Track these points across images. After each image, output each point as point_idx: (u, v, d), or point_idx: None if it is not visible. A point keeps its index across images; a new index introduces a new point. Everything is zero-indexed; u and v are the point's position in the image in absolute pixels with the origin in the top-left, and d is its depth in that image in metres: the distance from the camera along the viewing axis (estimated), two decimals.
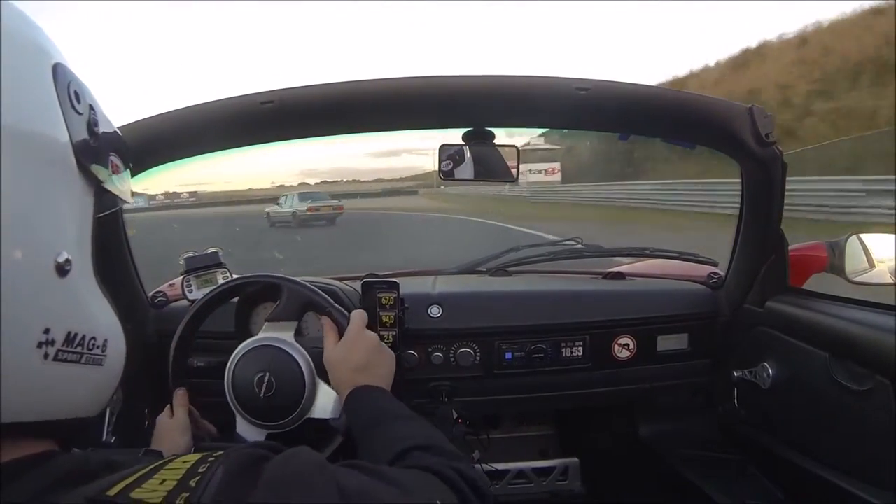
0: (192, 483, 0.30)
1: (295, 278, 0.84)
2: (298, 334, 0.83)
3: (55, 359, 0.33)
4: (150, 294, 1.08)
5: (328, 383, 0.76)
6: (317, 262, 6.79)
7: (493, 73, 0.88)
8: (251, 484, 0.30)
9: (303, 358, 0.77)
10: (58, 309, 0.34)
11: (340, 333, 0.74)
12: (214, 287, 0.86)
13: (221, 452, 0.33)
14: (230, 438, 0.78)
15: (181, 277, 1.04)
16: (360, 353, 0.69)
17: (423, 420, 0.60)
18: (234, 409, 0.77)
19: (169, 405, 0.78)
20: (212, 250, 1.06)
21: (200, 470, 0.31)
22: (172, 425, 0.75)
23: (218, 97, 0.87)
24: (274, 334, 0.79)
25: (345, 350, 0.70)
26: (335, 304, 0.79)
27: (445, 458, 0.47)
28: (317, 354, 0.77)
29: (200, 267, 1.03)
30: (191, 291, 1.02)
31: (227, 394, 0.77)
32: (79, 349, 0.35)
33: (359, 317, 0.74)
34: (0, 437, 0.30)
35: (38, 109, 0.34)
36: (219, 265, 1.04)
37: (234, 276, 0.97)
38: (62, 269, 0.34)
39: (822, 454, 0.87)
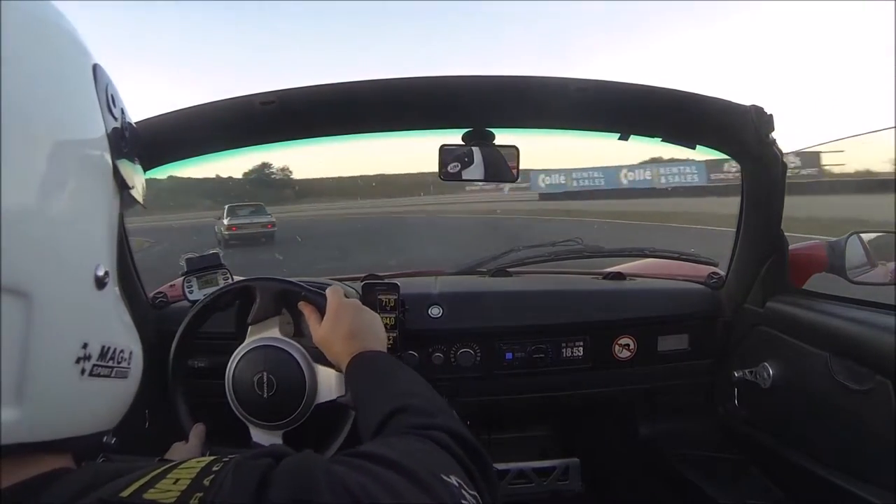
0: (206, 482, 0.29)
1: (265, 276, 0.83)
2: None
3: (91, 374, 0.32)
4: (150, 295, 1.08)
5: (326, 365, 0.76)
6: (319, 263, 6.77)
7: (494, 74, 0.88)
8: (259, 500, 0.29)
9: (296, 350, 0.77)
10: (94, 323, 0.33)
11: (322, 313, 0.73)
12: (202, 299, 0.85)
13: (234, 455, 0.32)
14: (246, 447, 0.78)
15: (182, 278, 1.04)
16: (345, 322, 0.69)
17: (413, 376, 0.59)
18: (236, 411, 0.77)
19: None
20: (212, 251, 1.06)
21: (214, 469, 0.30)
22: (183, 449, 0.76)
23: (218, 98, 0.87)
24: (260, 335, 0.79)
25: (330, 324, 0.70)
26: (308, 287, 0.78)
27: (430, 418, 0.46)
28: (312, 345, 0.76)
29: (201, 268, 1.03)
30: (191, 292, 1.02)
31: (228, 395, 0.77)
32: (110, 363, 0.34)
33: (334, 290, 0.73)
34: (23, 455, 0.29)
35: (82, 114, 0.33)
36: (219, 266, 1.04)
37: (235, 280, 0.97)
38: (101, 282, 0.33)
39: (823, 454, 0.87)
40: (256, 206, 11.07)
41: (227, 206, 10.79)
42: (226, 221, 10.26)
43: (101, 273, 0.33)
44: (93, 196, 0.33)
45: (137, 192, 0.39)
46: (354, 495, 0.30)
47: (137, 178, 0.40)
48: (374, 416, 0.50)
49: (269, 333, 0.79)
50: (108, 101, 0.35)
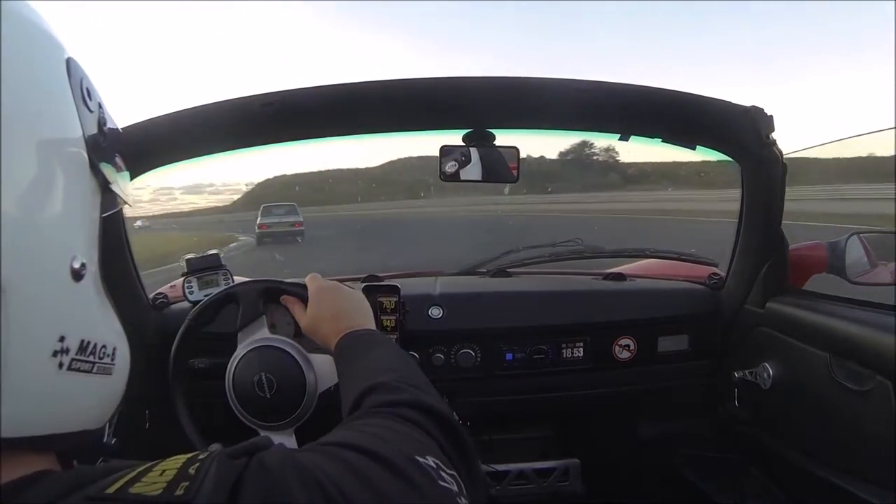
0: (192, 470, 0.29)
1: (244, 279, 0.82)
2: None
3: (69, 368, 0.31)
4: (150, 295, 1.09)
5: (320, 353, 0.76)
6: (319, 263, 6.79)
7: (494, 75, 0.88)
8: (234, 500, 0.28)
9: (289, 345, 0.77)
10: (72, 316, 0.32)
11: (305, 302, 0.73)
12: (214, 294, 0.85)
13: (219, 447, 0.33)
14: None
15: (182, 279, 1.04)
16: (327, 304, 0.69)
17: (386, 351, 0.59)
18: (237, 412, 0.77)
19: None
20: (212, 252, 1.06)
21: (200, 457, 0.30)
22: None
23: (219, 98, 0.87)
24: (250, 338, 0.78)
25: (314, 309, 0.70)
26: (287, 280, 0.78)
27: (398, 394, 0.45)
28: (303, 338, 0.76)
29: (201, 269, 1.04)
30: (192, 293, 1.02)
31: (229, 396, 0.77)
32: (91, 358, 0.34)
33: (313, 277, 0.74)
34: (2, 451, 0.28)
35: (56, 107, 0.33)
36: (220, 267, 1.05)
37: (234, 282, 0.97)
38: (78, 274, 0.32)
39: (823, 454, 0.87)
40: (290, 206, 11.40)
41: (262, 206, 11.16)
42: (258, 220, 10.68)
43: (77, 265, 0.32)
44: (68, 189, 0.33)
45: (118, 188, 0.39)
46: (326, 490, 0.30)
47: (119, 174, 0.40)
48: (348, 398, 0.50)
49: (258, 335, 0.79)
50: (84, 95, 0.35)
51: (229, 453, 0.32)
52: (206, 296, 0.85)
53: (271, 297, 0.79)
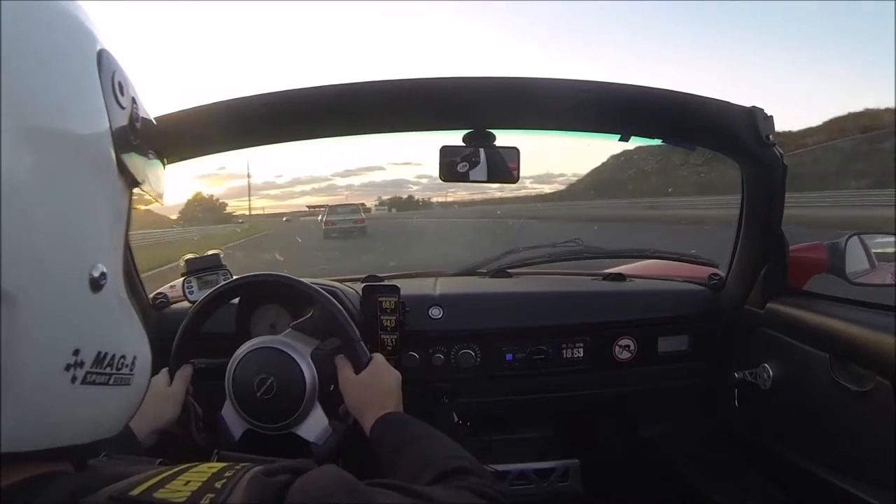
0: (218, 485, 0.29)
1: (321, 290, 0.83)
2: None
3: (83, 381, 0.29)
4: (151, 296, 1.08)
5: (324, 409, 0.77)
6: (318, 262, 6.83)
7: (495, 75, 0.88)
8: None
9: (310, 373, 0.77)
10: (88, 327, 0.30)
11: (354, 366, 0.77)
12: (217, 286, 0.86)
13: (246, 464, 0.32)
14: (213, 420, 0.79)
15: (182, 279, 1.04)
16: (385, 382, 0.74)
17: (442, 435, 0.62)
18: (227, 388, 0.77)
19: (167, 372, 0.79)
20: (213, 252, 1.06)
21: (227, 474, 0.30)
22: (167, 393, 0.76)
23: (219, 98, 0.87)
24: (293, 342, 0.79)
25: (373, 376, 0.75)
26: (361, 341, 0.79)
27: (487, 481, 0.47)
28: (322, 366, 0.78)
29: (201, 269, 1.04)
30: (192, 293, 1.02)
31: (228, 393, 0.77)
32: (108, 370, 0.32)
33: (381, 356, 0.79)
34: (17, 461, 0.27)
35: (82, 102, 0.30)
36: (220, 267, 1.05)
37: (236, 277, 0.97)
38: (96, 284, 0.30)
39: (823, 454, 0.87)
40: (354, 206, 13.88)
41: (327, 207, 13.67)
42: (324, 218, 12.86)
43: (96, 274, 0.30)
44: (90, 191, 0.30)
45: (150, 187, 0.37)
46: None
47: (152, 172, 0.37)
48: (426, 465, 0.52)
49: (301, 345, 0.79)
50: (115, 90, 0.32)
51: (265, 471, 0.32)
52: (208, 293, 0.85)
53: (339, 335, 0.80)
